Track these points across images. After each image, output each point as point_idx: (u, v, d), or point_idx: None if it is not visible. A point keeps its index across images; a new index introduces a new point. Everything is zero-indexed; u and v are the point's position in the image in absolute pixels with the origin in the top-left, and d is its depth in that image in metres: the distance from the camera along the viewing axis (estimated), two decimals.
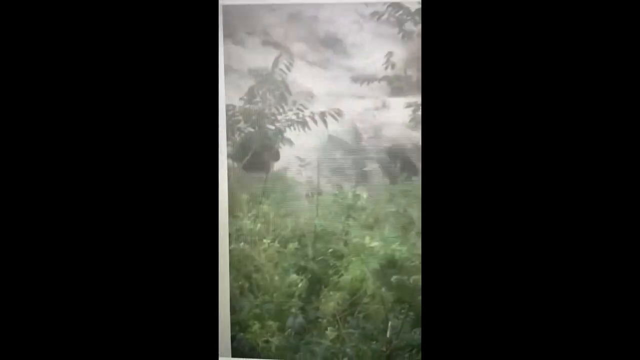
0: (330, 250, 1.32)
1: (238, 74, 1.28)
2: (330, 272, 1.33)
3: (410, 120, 1.24)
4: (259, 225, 1.35)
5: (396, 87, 1.23)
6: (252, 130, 1.31)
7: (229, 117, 1.30)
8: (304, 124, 1.28)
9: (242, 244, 1.36)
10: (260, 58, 1.26)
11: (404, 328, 1.31)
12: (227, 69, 1.27)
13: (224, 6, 1.25)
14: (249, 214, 1.34)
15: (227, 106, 1.29)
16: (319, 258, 1.33)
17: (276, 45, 1.26)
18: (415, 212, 1.27)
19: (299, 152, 1.30)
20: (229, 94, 1.29)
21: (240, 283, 1.36)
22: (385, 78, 1.23)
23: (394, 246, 1.29)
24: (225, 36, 1.26)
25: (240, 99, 1.29)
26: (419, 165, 1.25)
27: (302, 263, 1.34)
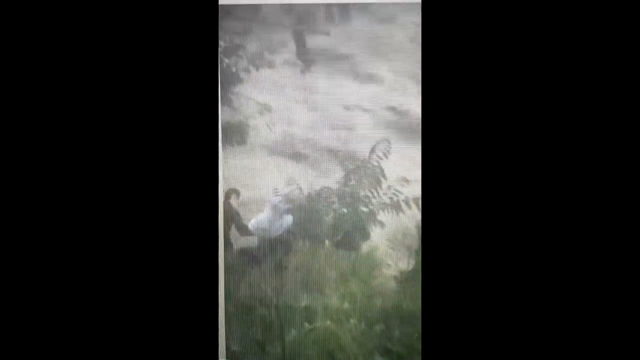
0: (416, 335, 1.33)
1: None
2: (417, 357, 1.32)
3: None
4: (345, 304, 1.37)
5: None
6: (345, 210, 1.37)
7: (324, 199, 1.37)
8: (397, 207, 1.34)
9: (328, 322, 1.38)
10: (358, 147, 1.35)
11: None
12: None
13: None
14: (337, 292, 1.37)
15: (323, 188, 1.37)
16: (405, 341, 1.33)
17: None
18: None
19: (390, 235, 1.34)
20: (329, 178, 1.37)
21: None
22: None
23: None
24: None
25: (337, 182, 1.36)
26: None
27: (388, 345, 1.34)
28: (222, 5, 1.22)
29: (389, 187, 1.35)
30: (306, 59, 1.27)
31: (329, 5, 1.25)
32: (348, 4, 1.24)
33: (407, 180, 1.34)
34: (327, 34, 1.26)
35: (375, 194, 1.36)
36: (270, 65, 1.27)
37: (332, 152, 1.35)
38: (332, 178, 1.36)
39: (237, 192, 1.35)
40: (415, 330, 1.33)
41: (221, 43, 1.25)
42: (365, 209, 1.36)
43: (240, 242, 1.37)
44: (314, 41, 1.26)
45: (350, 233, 1.37)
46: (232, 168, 1.34)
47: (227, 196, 1.36)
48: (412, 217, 1.34)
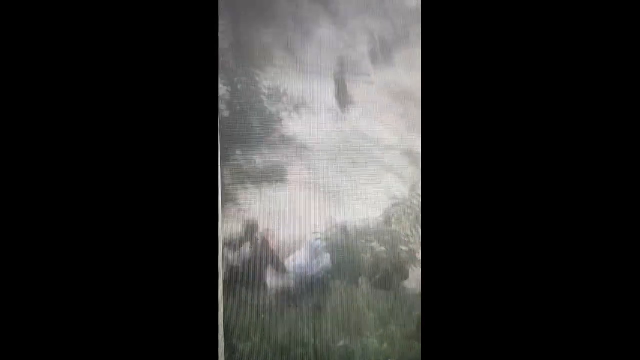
0: None
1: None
2: None
3: None
4: (385, 345, 1.35)
5: None
6: (384, 250, 1.36)
7: (362, 238, 1.37)
8: None
9: None
10: (397, 186, 1.36)
11: None
12: None
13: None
14: (376, 333, 1.35)
15: (361, 227, 1.37)
16: None
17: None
18: None
19: None
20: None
21: None
22: None
23: None
24: None
25: (376, 221, 1.36)
26: None
27: None
28: (263, 49, 1.25)
29: None
30: (346, 102, 1.29)
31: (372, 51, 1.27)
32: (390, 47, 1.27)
33: None
34: (369, 78, 1.28)
35: (415, 233, 1.35)
36: (311, 108, 1.29)
37: (371, 192, 1.35)
38: (371, 217, 1.36)
39: (272, 231, 1.35)
40: None
41: (263, 85, 1.27)
42: (404, 248, 1.35)
43: (277, 281, 1.37)
44: (354, 87, 1.28)
45: (389, 273, 1.36)
46: (271, 206, 1.34)
47: (264, 235, 1.35)
48: None
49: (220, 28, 1.23)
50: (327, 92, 1.28)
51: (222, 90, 1.28)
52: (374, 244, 1.37)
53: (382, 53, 1.27)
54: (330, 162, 1.32)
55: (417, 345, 1.33)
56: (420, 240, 1.34)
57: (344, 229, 1.35)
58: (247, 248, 1.36)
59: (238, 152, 1.32)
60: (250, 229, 1.35)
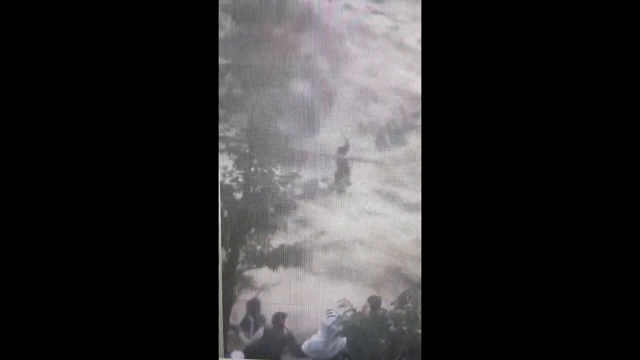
0: None
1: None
2: None
3: None
4: None
5: None
6: (401, 332, 1.34)
7: (378, 320, 1.35)
8: None
9: None
10: (413, 269, 1.35)
11: None
12: None
13: None
14: None
15: (378, 310, 1.35)
16: None
17: None
18: None
19: None
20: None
21: None
22: None
23: None
24: None
25: (392, 303, 1.35)
26: None
27: None
28: (277, 135, 1.27)
29: None
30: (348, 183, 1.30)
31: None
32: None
33: None
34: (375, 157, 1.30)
35: None
36: (323, 191, 1.30)
37: (387, 274, 1.34)
38: (386, 299, 1.34)
39: (284, 315, 1.35)
40: None
41: (277, 168, 1.30)
42: (421, 331, 1.33)
43: None
44: (359, 169, 1.29)
45: (407, 355, 1.33)
46: (287, 289, 1.34)
47: (280, 318, 1.35)
48: None
49: (235, 117, 1.27)
50: (333, 175, 1.30)
51: (237, 174, 1.31)
52: (391, 327, 1.35)
53: (389, 137, 1.29)
54: (344, 245, 1.32)
55: None
56: None
57: (360, 312, 1.34)
58: (262, 331, 1.36)
59: (253, 233, 1.33)
60: (266, 311, 1.35)
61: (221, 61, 1.25)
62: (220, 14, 1.23)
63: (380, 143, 1.27)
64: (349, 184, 1.29)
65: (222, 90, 1.26)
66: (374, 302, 1.34)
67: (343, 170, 1.29)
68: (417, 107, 1.25)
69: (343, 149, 1.28)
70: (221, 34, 1.24)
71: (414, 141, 1.27)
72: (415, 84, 1.24)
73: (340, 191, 1.30)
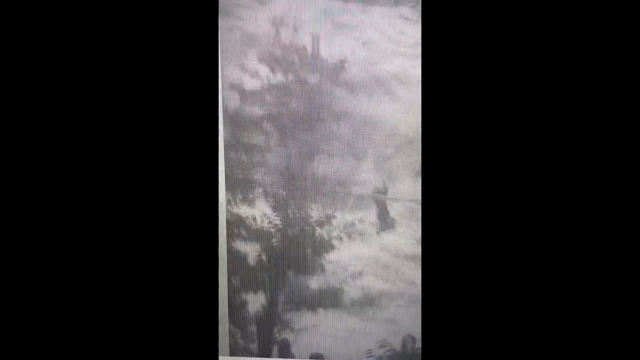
0: None
1: None
2: None
3: None
4: None
5: None
6: None
7: (417, 358, 1.35)
8: None
9: None
10: None
11: None
12: None
13: None
14: None
15: (417, 349, 1.35)
16: None
17: None
18: None
19: None
20: None
21: None
22: None
23: None
24: None
25: None
26: None
27: None
28: (316, 178, 1.30)
29: None
30: (388, 223, 1.32)
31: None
32: None
33: None
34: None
35: None
36: (361, 232, 1.32)
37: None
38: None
39: (321, 356, 1.35)
40: None
41: (313, 210, 1.32)
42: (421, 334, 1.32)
43: None
44: (398, 209, 1.31)
45: None
46: (325, 331, 1.35)
47: (319, 358, 1.35)
48: None
49: (274, 161, 1.31)
50: (373, 215, 1.32)
51: (274, 218, 1.33)
52: None
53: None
54: (383, 285, 1.33)
55: None
56: None
57: (399, 351, 1.34)
58: None
59: (291, 276, 1.35)
60: (300, 352, 1.36)
61: (258, 111, 1.29)
62: (258, 65, 1.28)
63: (413, 185, 1.30)
64: (391, 225, 1.31)
65: (259, 138, 1.30)
66: (411, 341, 1.34)
67: (384, 211, 1.31)
68: None
69: (381, 190, 1.31)
70: (257, 84, 1.28)
71: None
72: None
73: (381, 231, 1.32)
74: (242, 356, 1.37)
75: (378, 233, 1.32)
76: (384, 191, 1.31)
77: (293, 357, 1.36)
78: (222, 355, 1.37)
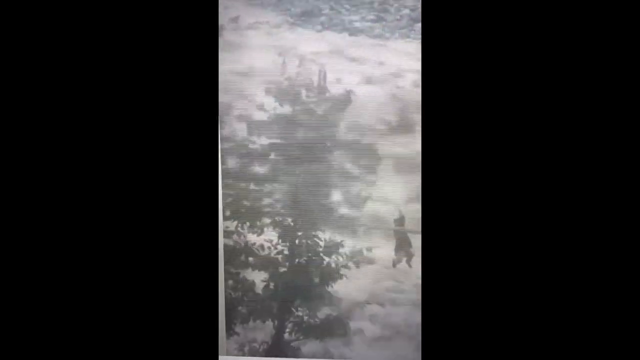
0: None
1: None
2: None
3: None
4: None
5: None
6: None
7: None
8: None
9: None
10: None
11: None
12: None
13: None
14: None
15: None
16: None
17: None
18: None
19: None
20: None
21: None
22: None
23: None
24: None
25: None
26: None
27: None
28: (321, 207, 1.30)
29: None
30: (405, 255, 1.32)
31: None
32: None
33: None
34: None
35: None
36: (370, 261, 1.32)
37: None
38: None
39: None
40: None
41: (321, 239, 1.32)
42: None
43: None
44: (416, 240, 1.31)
45: None
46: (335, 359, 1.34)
47: None
48: None
49: (280, 192, 1.32)
50: (385, 246, 1.32)
51: (282, 246, 1.34)
52: None
53: None
54: (392, 314, 1.32)
55: None
56: None
57: None
58: None
59: (299, 305, 1.35)
60: None
61: (265, 141, 1.31)
62: (265, 96, 1.30)
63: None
64: (411, 255, 1.31)
65: (266, 167, 1.31)
66: None
67: (403, 243, 1.31)
68: None
69: (399, 220, 1.30)
70: (265, 116, 1.30)
71: None
72: None
73: (405, 263, 1.31)
74: (242, 356, 1.36)
75: (406, 264, 1.31)
76: (404, 222, 1.30)
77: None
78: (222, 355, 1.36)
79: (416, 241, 1.29)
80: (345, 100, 1.28)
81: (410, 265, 1.30)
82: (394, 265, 1.31)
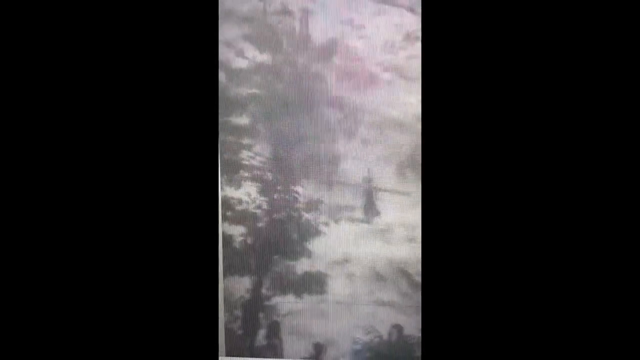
0: None
1: None
2: None
3: None
4: None
5: None
6: None
7: (406, 347, 1.33)
8: None
9: None
10: None
11: None
12: None
13: None
14: None
15: (404, 336, 1.34)
16: None
17: None
18: None
19: None
20: None
21: None
22: None
23: None
24: None
25: (418, 329, 1.33)
26: None
27: None
28: (300, 163, 1.27)
29: None
30: (373, 213, 1.29)
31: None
32: None
33: None
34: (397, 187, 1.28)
35: None
36: (350, 218, 1.29)
37: (412, 297, 1.33)
38: (414, 325, 1.33)
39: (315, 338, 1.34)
40: None
41: (300, 195, 1.29)
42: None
43: None
44: (383, 197, 1.28)
45: None
46: (312, 318, 1.34)
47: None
48: None
49: (259, 145, 1.27)
50: (360, 204, 1.29)
51: (261, 201, 1.30)
52: (417, 353, 1.33)
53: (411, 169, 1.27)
54: (368, 273, 1.31)
55: None
56: None
57: (386, 339, 1.33)
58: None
59: (277, 260, 1.33)
60: (288, 336, 1.35)
61: (245, 91, 1.25)
62: (244, 44, 1.23)
63: (401, 174, 1.26)
64: (377, 213, 1.28)
65: (245, 120, 1.26)
66: (399, 330, 1.33)
67: (370, 200, 1.28)
68: None
69: (367, 179, 1.27)
70: (244, 64, 1.24)
71: None
72: None
73: (368, 221, 1.29)
74: (242, 356, 1.36)
75: (369, 222, 1.29)
76: (371, 180, 1.27)
77: (282, 340, 1.35)
78: (222, 355, 1.36)
79: (382, 202, 1.27)
80: (331, 49, 1.22)
81: (378, 222, 1.28)
82: (368, 222, 1.29)
